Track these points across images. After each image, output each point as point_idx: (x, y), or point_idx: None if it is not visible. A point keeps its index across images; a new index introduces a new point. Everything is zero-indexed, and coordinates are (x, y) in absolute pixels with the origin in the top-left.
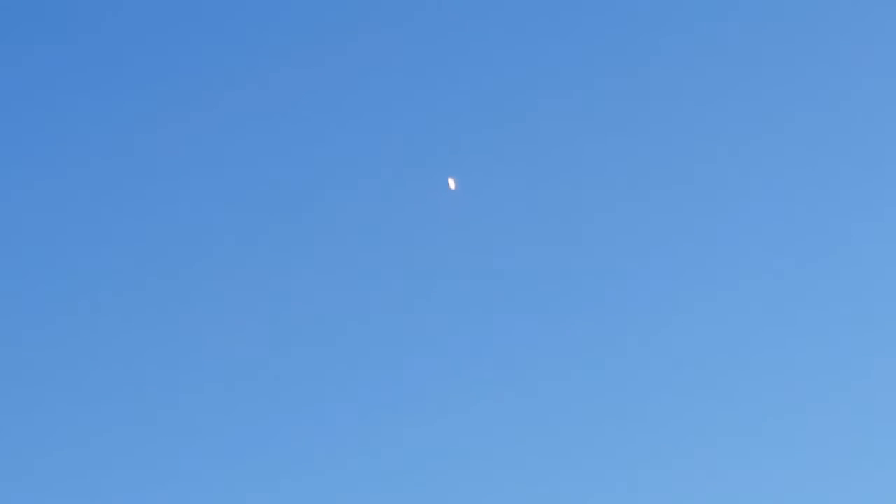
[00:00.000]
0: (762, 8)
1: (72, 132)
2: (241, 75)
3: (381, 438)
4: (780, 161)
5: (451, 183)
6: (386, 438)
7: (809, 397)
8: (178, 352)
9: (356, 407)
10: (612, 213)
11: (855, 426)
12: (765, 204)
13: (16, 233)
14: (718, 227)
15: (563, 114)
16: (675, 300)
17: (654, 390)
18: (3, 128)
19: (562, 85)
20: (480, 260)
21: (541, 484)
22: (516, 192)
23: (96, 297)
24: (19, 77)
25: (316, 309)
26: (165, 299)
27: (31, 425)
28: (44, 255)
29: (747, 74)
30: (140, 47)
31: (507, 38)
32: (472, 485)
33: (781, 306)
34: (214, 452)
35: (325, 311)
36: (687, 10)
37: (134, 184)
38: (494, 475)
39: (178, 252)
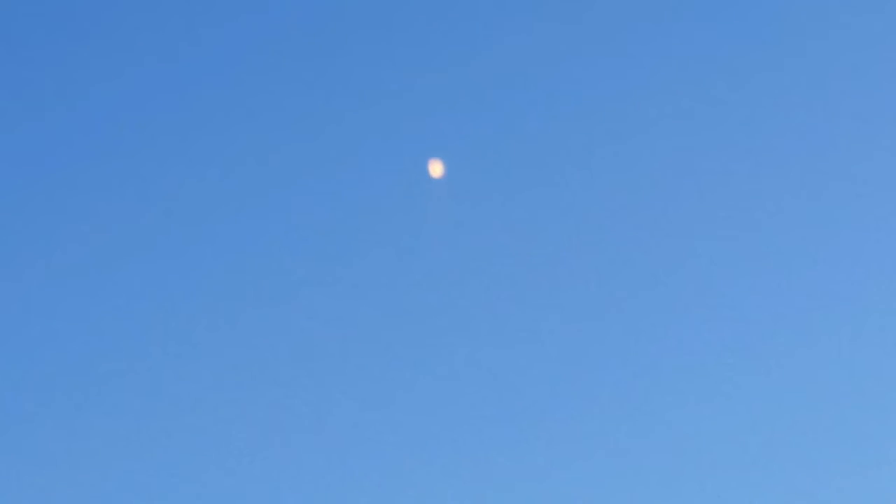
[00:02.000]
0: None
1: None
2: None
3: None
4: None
5: (435, 167)
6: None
7: (811, 397)
8: (173, 347)
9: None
10: (613, 208)
11: (864, 428)
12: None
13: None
14: (720, 227)
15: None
16: (676, 300)
17: (655, 391)
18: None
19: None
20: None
21: (541, 484)
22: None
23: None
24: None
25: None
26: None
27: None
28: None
29: (747, 74)
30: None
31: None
32: (472, 484)
33: (782, 306)
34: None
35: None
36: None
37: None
38: (495, 475)
39: (167, 240)
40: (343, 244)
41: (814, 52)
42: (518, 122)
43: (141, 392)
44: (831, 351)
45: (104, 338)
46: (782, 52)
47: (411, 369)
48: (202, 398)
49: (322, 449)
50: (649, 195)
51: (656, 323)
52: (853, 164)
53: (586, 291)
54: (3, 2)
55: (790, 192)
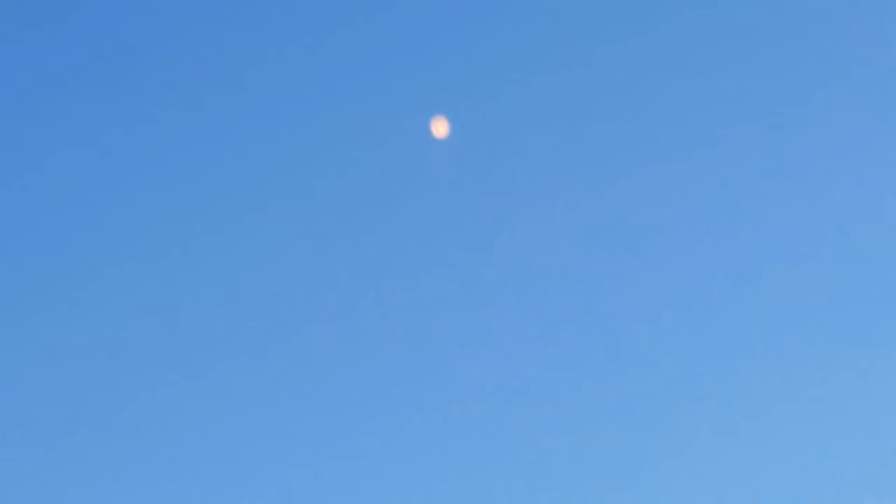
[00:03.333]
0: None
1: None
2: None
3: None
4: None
5: (439, 126)
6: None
7: (811, 400)
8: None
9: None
10: (616, 174)
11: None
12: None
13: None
14: (722, 228)
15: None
16: (679, 300)
17: (655, 391)
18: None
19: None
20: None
21: (542, 485)
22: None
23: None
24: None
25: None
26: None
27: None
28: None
29: (746, 74)
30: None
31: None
32: (472, 485)
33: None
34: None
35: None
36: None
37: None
38: (495, 475)
39: (167, 236)
40: (346, 206)
41: (814, 52)
42: (523, 86)
43: (140, 392)
44: (831, 350)
45: (104, 337)
46: (782, 51)
47: (412, 341)
48: (203, 396)
49: (321, 441)
50: (658, 175)
51: (654, 294)
52: (854, 164)
53: (586, 255)
54: None
55: (789, 192)
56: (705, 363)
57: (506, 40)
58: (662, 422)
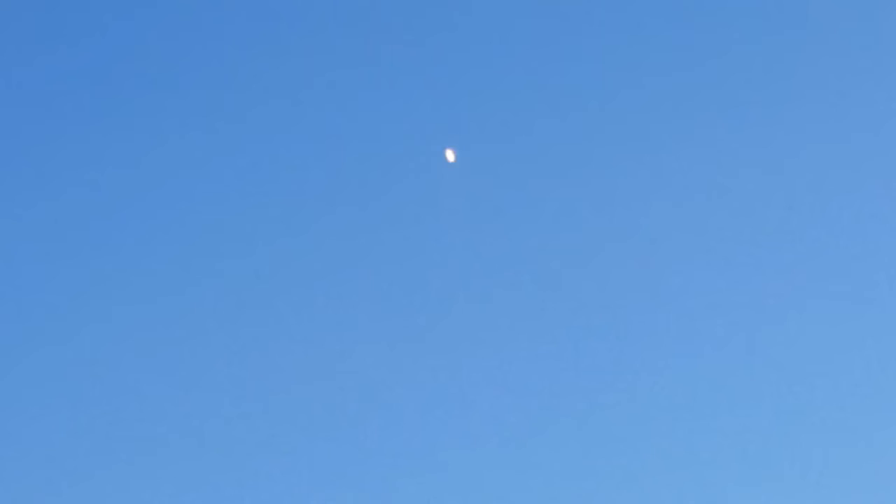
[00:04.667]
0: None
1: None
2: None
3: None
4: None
5: (450, 155)
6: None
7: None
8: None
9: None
10: (622, 198)
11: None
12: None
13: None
14: (723, 227)
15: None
16: (682, 300)
17: (658, 392)
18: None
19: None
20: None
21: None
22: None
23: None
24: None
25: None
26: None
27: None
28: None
29: (745, 75)
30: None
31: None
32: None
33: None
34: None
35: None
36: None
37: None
38: (495, 476)
39: (181, 242)
40: (361, 227)
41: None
42: (530, 115)
43: (139, 390)
44: (830, 351)
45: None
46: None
47: (423, 355)
48: (207, 398)
49: (331, 446)
50: (661, 189)
51: (668, 309)
52: (853, 165)
53: (594, 276)
54: None
55: (790, 193)
56: (706, 364)
57: (515, 76)
58: (661, 423)
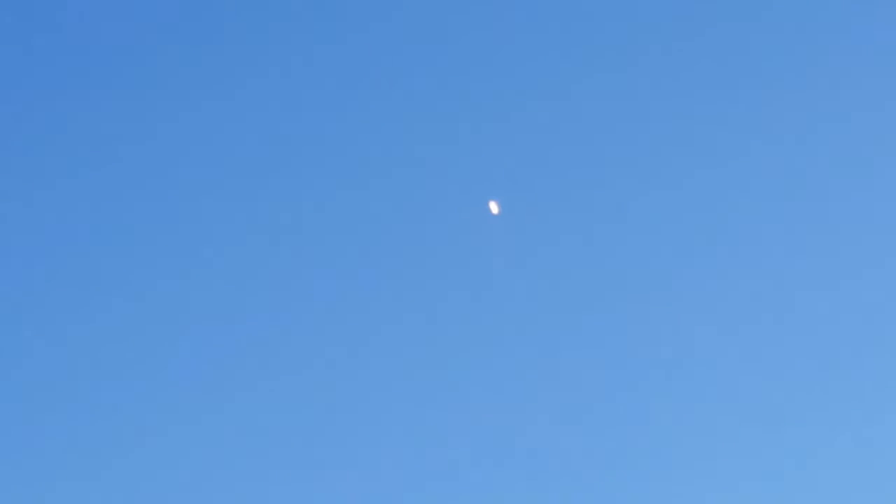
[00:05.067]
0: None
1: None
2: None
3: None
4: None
5: (493, 207)
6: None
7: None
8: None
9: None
10: (661, 246)
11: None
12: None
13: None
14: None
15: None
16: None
17: (657, 392)
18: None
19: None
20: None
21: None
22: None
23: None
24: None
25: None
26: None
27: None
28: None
29: (746, 75)
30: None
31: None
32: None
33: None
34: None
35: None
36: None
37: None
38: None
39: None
40: (411, 275)
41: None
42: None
43: (137, 390)
44: (830, 351)
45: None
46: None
47: (468, 400)
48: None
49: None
50: (695, 237)
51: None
52: (853, 165)
53: (634, 321)
54: None
55: (789, 193)
56: (705, 365)
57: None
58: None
